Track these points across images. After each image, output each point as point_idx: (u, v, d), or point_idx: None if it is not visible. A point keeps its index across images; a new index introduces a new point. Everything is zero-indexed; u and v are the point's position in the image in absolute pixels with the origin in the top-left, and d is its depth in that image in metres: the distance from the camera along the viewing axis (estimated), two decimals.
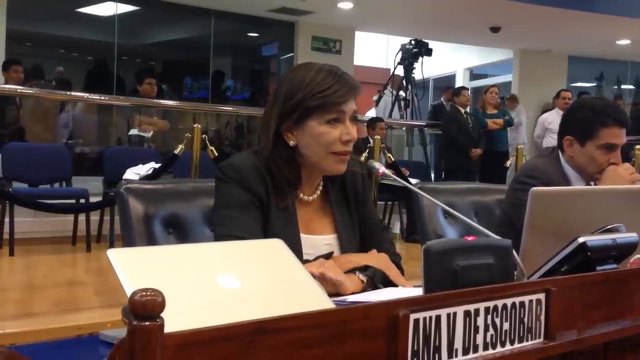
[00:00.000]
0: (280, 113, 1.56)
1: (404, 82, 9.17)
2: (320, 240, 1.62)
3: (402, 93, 9.18)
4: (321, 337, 0.77)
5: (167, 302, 0.67)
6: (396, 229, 6.96)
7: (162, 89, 8.07)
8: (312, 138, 1.54)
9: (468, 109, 7.90)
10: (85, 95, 7.23)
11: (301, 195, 1.62)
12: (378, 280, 1.53)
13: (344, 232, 1.65)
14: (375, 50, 12.64)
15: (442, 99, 10.25)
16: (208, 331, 0.70)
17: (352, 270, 1.54)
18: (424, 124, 9.19)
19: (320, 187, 1.66)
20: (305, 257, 1.55)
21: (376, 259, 1.58)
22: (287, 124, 1.56)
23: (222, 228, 1.52)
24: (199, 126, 5.14)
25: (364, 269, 1.54)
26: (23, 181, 5.70)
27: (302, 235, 1.59)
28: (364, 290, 1.50)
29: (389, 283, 1.55)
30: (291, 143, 1.57)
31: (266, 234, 1.53)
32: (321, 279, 1.37)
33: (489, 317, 0.93)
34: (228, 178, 1.55)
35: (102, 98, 7.82)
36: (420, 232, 2.27)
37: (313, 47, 9.84)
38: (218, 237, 1.53)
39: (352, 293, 1.46)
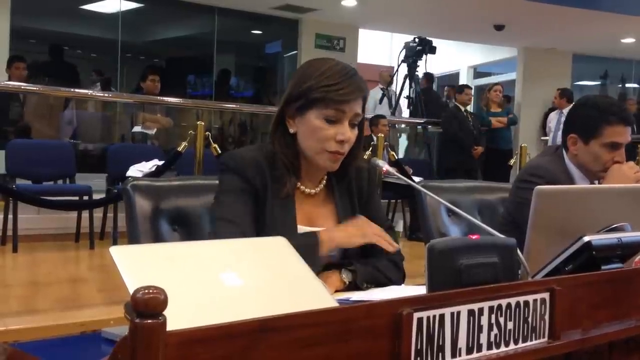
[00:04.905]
0: (286, 98, 1.58)
1: (406, 79, 9.16)
2: None
3: (405, 91, 9.17)
4: (324, 335, 0.77)
5: (169, 299, 0.67)
6: (399, 227, 6.95)
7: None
8: (308, 130, 1.55)
9: (469, 107, 7.88)
10: (89, 92, 7.22)
11: (303, 187, 1.62)
12: (361, 279, 1.53)
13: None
14: (379, 48, 12.62)
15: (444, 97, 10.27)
16: (211, 329, 0.69)
17: (339, 267, 1.56)
18: (422, 121, 9.17)
19: (324, 180, 1.66)
20: None
21: (355, 229, 1.57)
22: (290, 110, 1.58)
23: (217, 212, 1.57)
24: (202, 123, 5.14)
25: (349, 264, 1.55)
26: (27, 178, 5.71)
27: (302, 227, 1.59)
28: (346, 289, 1.52)
29: (377, 281, 1.56)
30: (291, 130, 1.59)
31: (264, 224, 1.54)
32: None
33: (493, 316, 0.92)
34: (226, 167, 1.59)
35: (106, 95, 7.83)
36: (423, 230, 2.26)
37: (317, 45, 9.83)
38: (212, 220, 1.59)
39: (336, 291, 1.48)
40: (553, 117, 9.05)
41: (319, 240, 1.50)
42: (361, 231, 1.56)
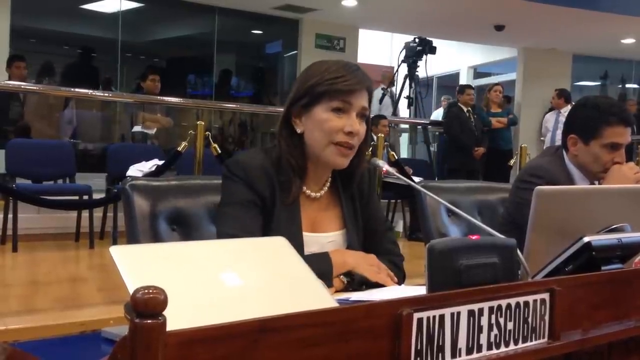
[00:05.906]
0: (292, 98, 1.57)
1: (406, 80, 9.16)
2: (324, 238, 1.61)
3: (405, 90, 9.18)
4: (325, 335, 0.77)
5: (169, 299, 0.67)
6: (399, 227, 6.95)
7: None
8: (316, 124, 1.54)
9: (472, 108, 7.88)
10: (89, 91, 7.22)
11: (308, 191, 1.61)
12: (357, 283, 1.53)
13: (352, 228, 1.64)
14: (379, 48, 12.61)
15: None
16: (211, 329, 0.69)
17: None
18: (427, 122, 9.18)
19: (328, 183, 1.65)
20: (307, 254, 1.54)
21: (367, 259, 1.57)
22: (296, 109, 1.57)
23: (222, 225, 1.54)
24: (202, 123, 5.14)
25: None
26: (27, 177, 5.71)
27: (306, 234, 1.58)
28: (345, 290, 1.52)
29: (369, 283, 1.55)
30: (298, 130, 1.57)
31: (270, 231, 1.53)
32: None
33: (493, 316, 0.92)
34: (233, 175, 1.55)
35: (106, 95, 7.83)
36: (423, 230, 2.26)
37: (317, 45, 9.83)
38: (218, 234, 1.55)
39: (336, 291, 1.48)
40: (550, 117, 9.09)
41: (332, 268, 1.50)
42: (377, 267, 1.55)
